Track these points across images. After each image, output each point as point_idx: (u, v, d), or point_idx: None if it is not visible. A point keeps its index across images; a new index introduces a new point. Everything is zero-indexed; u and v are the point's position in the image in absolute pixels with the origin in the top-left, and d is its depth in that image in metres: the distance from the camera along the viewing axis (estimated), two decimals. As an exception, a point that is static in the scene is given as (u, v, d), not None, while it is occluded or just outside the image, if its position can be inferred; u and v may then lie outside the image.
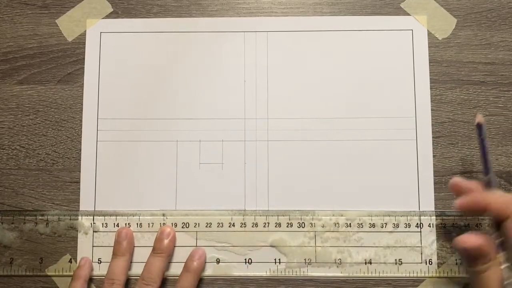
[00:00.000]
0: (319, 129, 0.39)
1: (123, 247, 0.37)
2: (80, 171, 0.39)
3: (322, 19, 0.40)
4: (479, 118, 0.36)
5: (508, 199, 0.30)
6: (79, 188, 0.39)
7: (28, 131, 0.39)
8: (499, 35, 0.40)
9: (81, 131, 0.39)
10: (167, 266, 0.37)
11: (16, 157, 0.39)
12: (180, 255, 0.37)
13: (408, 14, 0.40)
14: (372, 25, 0.40)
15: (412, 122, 0.39)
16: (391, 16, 0.40)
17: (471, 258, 0.30)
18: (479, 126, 0.35)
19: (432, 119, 0.39)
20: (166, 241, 0.37)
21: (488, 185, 0.34)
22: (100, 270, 0.37)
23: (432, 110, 0.39)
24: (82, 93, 0.40)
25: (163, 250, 0.36)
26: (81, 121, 0.39)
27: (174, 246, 0.37)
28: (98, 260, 0.38)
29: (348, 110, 0.39)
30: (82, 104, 0.40)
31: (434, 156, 0.38)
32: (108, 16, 0.41)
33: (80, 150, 0.39)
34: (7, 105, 0.40)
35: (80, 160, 0.39)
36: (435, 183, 0.38)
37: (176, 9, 0.41)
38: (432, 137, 0.38)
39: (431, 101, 0.39)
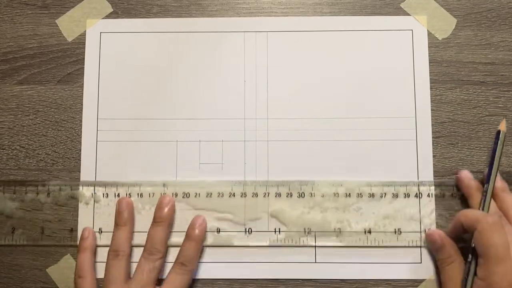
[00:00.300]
0: (319, 129, 0.39)
1: (124, 217, 0.37)
2: (80, 171, 0.39)
3: (322, 19, 0.40)
4: (502, 125, 0.37)
5: (477, 214, 0.33)
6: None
7: (28, 131, 0.39)
8: (499, 35, 0.40)
9: (81, 131, 0.39)
10: (169, 235, 0.37)
11: (16, 157, 0.39)
12: (181, 225, 0.37)
13: (408, 14, 0.40)
14: (372, 25, 0.40)
15: (412, 122, 0.39)
16: (391, 16, 0.40)
17: (435, 250, 0.36)
18: (497, 133, 0.37)
19: (432, 119, 0.39)
20: (166, 209, 0.37)
21: (484, 194, 0.35)
22: (101, 240, 0.38)
23: (432, 110, 0.39)
24: (82, 93, 0.40)
25: (164, 219, 0.36)
26: (81, 121, 0.39)
27: (174, 214, 0.37)
28: (99, 230, 0.38)
29: (348, 110, 0.39)
30: (82, 104, 0.40)
31: (434, 156, 0.38)
32: (108, 16, 0.41)
33: (80, 150, 0.39)
34: (7, 105, 0.40)
35: (80, 160, 0.39)
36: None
37: (176, 9, 0.41)
38: (432, 137, 0.38)
39: (431, 101, 0.39)
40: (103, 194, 0.38)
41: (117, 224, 0.37)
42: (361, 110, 0.39)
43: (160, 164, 0.39)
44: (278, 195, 0.38)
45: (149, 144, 0.39)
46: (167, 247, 0.36)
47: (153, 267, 0.35)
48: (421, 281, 0.37)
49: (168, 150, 0.39)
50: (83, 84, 0.40)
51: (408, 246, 0.37)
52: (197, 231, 0.36)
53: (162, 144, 0.39)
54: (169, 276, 0.36)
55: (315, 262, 0.37)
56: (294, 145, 0.39)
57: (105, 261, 0.36)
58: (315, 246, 0.37)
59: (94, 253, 0.37)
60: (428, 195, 0.37)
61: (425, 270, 0.37)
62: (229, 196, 0.38)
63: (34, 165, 0.39)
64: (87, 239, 0.37)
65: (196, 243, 0.36)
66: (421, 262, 0.37)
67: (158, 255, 0.35)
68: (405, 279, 0.37)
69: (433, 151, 0.38)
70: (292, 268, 0.37)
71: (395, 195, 0.37)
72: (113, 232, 0.37)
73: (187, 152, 0.39)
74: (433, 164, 0.38)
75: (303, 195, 0.38)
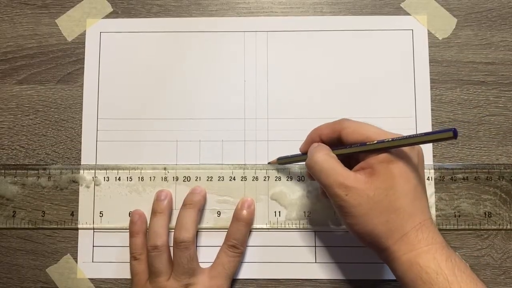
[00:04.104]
0: (319, 129, 0.39)
1: (163, 205, 0.37)
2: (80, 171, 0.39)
3: (322, 19, 0.40)
4: None
5: (331, 123, 0.32)
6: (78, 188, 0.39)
7: (28, 131, 0.39)
8: (499, 35, 0.40)
9: (81, 131, 0.39)
10: (199, 219, 0.37)
11: (16, 157, 0.39)
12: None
13: (408, 14, 0.40)
14: (372, 25, 0.40)
15: (412, 122, 0.39)
16: (391, 16, 0.40)
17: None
18: None
19: (432, 119, 0.39)
20: (197, 195, 0.37)
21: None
22: (102, 223, 0.38)
23: (432, 110, 0.39)
24: (82, 93, 0.40)
25: (195, 204, 0.36)
26: (81, 121, 0.39)
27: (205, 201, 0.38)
28: (100, 213, 0.38)
29: (348, 110, 0.39)
30: (82, 104, 0.40)
31: (434, 156, 0.38)
32: (108, 16, 0.40)
33: (80, 150, 0.39)
34: (7, 105, 0.40)
35: (80, 160, 0.39)
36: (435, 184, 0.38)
37: (176, 9, 0.41)
38: (432, 137, 0.38)
39: (431, 101, 0.39)
40: (104, 178, 0.38)
41: (154, 212, 0.37)
42: (361, 110, 0.39)
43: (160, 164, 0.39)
44: (278, 178, 0.38)
45: (149, 144, 0.39)
46: (197, 230, 0.36)
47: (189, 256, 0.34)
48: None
49: (168, 150, 0.39)
50: (83, 84, 0.40)
51: None
52: (245, 212, 0.36)
53: (162, 144, 0.39)
54: (220, 258, 0.35)
55: (315, 262, 0.37)
56: (294, 145, 0.39)
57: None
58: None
59: (145, 234, 0.37)
60: (428, 178, 0.38)
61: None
62: (230, 180, 0.38)
63: (34, 165, 0.39)
64: (137, 223, 0.37)
65: (246, 224, 0.36)
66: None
67: (188, 233, 0.35)
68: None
69: (433, 151, 0.38)
70: (292, 268, 0.37)
71: None
72: (150, 223, 0.36)
73: (187, 152, 0.39)
74: (433, 164, 0.38)
75: (303, 179, 0.38)
